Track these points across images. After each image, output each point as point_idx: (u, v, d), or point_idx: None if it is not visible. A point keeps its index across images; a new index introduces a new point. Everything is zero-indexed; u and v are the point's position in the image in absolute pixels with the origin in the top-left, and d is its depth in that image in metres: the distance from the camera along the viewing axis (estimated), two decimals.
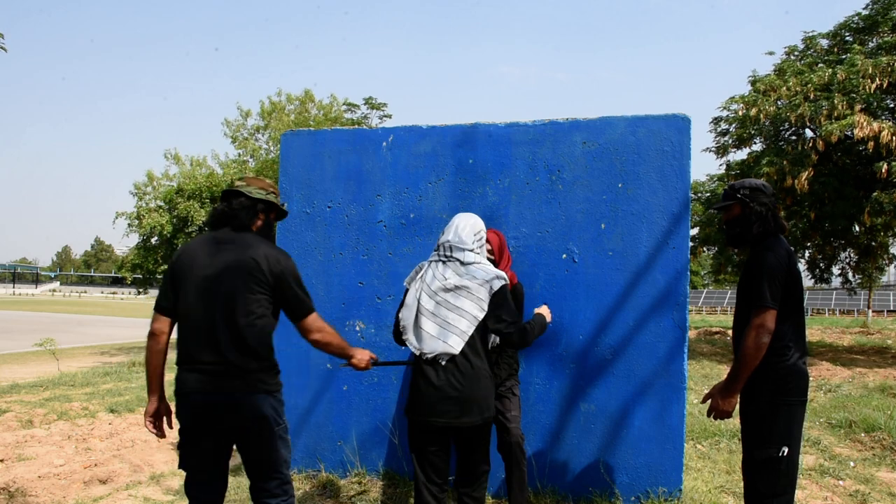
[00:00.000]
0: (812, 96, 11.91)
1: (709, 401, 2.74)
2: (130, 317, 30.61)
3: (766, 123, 13.34)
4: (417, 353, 2.77)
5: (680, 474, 3.69)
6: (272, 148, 17.17)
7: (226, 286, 2.40)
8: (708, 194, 15.80)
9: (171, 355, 2.46)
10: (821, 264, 16.23)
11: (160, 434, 2.57)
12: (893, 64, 11.12)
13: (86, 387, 8.46)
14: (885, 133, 10.64)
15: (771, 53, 14.79)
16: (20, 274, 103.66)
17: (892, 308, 40.54)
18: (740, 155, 15.15)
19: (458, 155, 4.10)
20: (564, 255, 3.90)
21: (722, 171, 15.79)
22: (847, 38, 13.55)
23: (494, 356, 3.16)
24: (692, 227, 14.04)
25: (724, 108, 14.77)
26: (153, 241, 14.30)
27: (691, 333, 19.13)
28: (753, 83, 13.75)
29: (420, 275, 2.89)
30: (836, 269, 16.65)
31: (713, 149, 15.46)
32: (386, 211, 4.20)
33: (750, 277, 2.61)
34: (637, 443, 3.74)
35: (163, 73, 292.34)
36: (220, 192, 13.99)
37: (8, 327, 20.69)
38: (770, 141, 14.24)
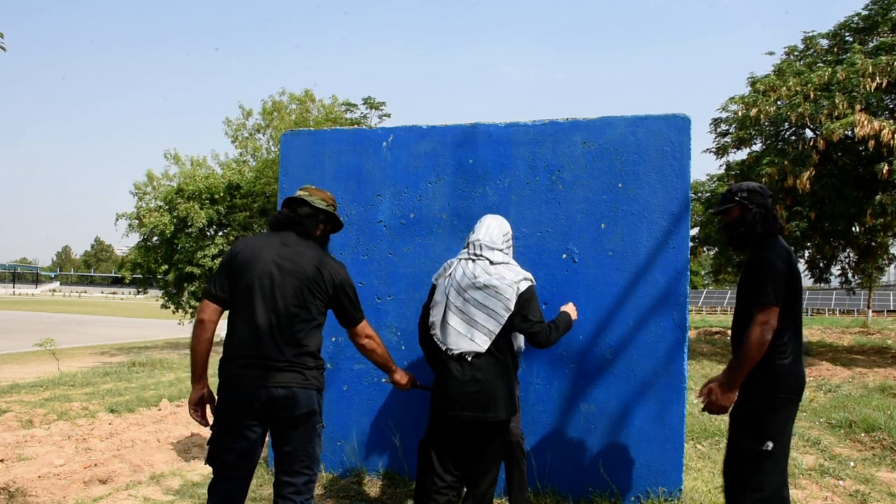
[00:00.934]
0: (812, 96, 11.91)
1: (704, 395, 2.75)
2: (130, 317, 30.62)
3: (766, 124, 13.34)
4: (444, 348, 2.84)
5: (680, 474, 3.69)
6: (272, 148, 17.17)
7: (289, 288, 2.49)
8: (708, 194, 15.81)
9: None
10: (821, 264, 16.22)
11: (204, 422, 2.60)
12: (893, 63, 11.11)
13: (86, 387, 8.47)
14: (885, 132, 10.63)
15: (771, 53, 14.80)
16: (20, 274, 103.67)
17: (892, 308, 40.52)
18: (740, 155, 15.16)
19: (458, 155, 4.10)
20: (564, 255, 3.90)
21: (722, 171, 15.80)
22: (847, 38, 13.55)
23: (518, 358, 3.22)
24: (692, 227, 14.03)
25: (724, 108, 14.77)
26: (153, 241, 14.30)
27: (691, 333, 19.13)
28: (753, 83, 13.74)
29: (449, 272, 2.96)
30: (835, 269, 16.65)
31: (713, 149, 15.46)
32: (386, 211, 4.20)
33: (751, 277, 2.63)
34: (637, 443, 3.74)
35: (163, 73, 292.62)
36: (219, 194, 14.06)
37: (8, 327, 20.69)
38: (770, 141, 14.25)
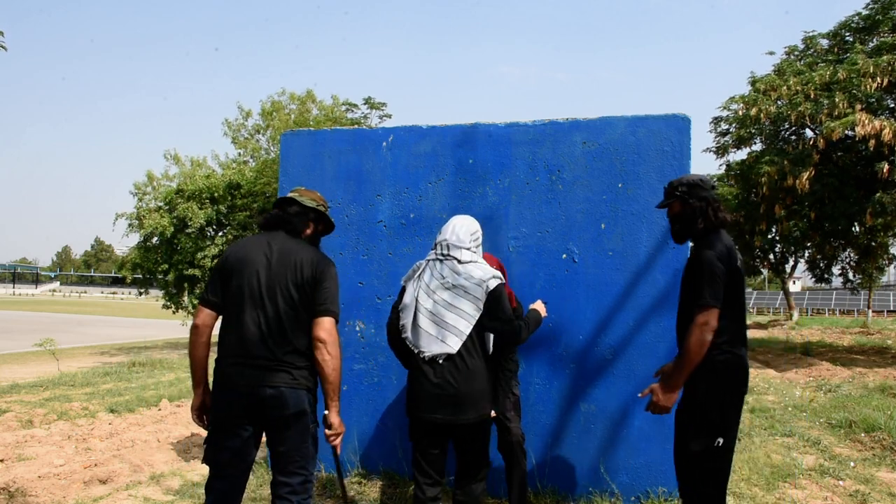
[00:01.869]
0: (813, 95, 11.91)
1: (648, 396, 2.77)
2: (130, 317, 30.62)
3: (767, 123, 13.33)
4: (416, 351, 2.80)
5: None
6: (272, 148, 17.17)
7: (277, 288, 2.49)
8: (714, 192, 15.77)
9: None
10: (821, 264, 16.23)
11: (206, 426, 2.62)
12: (894, 63, 11.11)
13: (86, 387, 8.47)
14: (886, 131, 10.63)
15: (771, 53, 14.80)
16: (20, 274, 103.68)
17: (892, 308, 40.50)
18: (740, 155, 15.16)
19: (458, 155, 4.10)
20: (564, 255, 3.90)
21: (722, 171, 15.80)
22: (847, 37, 13.54)
23: (495, 356, 3.17)
24: None
25: (724, 108, 14.77)
26: (154, 241, 14.30)
27: None
28: (753, 83, 13.74)
29: (418, 274, 2.92)
30: (836, 269, 16.65)
31: (713, 149, 15.46)
32: (386, 211, 4.20)
33: (692, 276, 2.66)
34: (637, 443, 3.74)
35: (163, 73, 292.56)
36: (219, 194, 14.06)
37: (8, 327, 20.70)
38: (770, 141, 14.24)
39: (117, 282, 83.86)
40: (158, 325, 23.67)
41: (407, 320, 2.86)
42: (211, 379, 2.61)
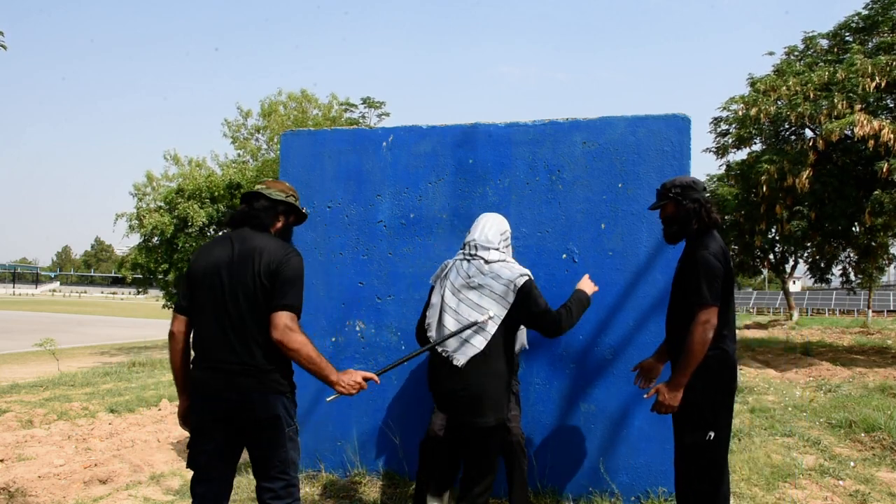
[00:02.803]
0: (812, 96, 11.91)
1: (654, 396, 2.81)
2: (130, 317, 30.61)
3: (766, 123, 13.34)
4: (439, 350, 2.80)
5: None
6: (272, 148, 17.16)
7: (237, 285, 2.40)
8: (708, 194, 15.78)
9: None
10: (822, 264, 16.22)
11: None
12: (893, 63, 11.11)
13: (86, 387, 8.47)
14: (885, 131, 10.63)
15: (771, 53, 14.80)
16: (20, 274, 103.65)
17: (892, 308, 40.48)
18: (740, 155, 15.16)
19: (458, 155, 4.10)
20: (564, 255, 3.90)
21: (722, 171, 15.80)
22: (847, 37, 13.54)
23: (518, 360, 3.22)
24: None
25: (724, 108, 14.77)
26: (154, 241, 14.29)
27: None
28: (753, 83, 13.75)
29: (444, 273, 2.94)
30: (836, 269, 16.65)
31: (713, 149, 15.46)
32: (386, 211, 4.20)
33: (687, 275, 2.70)
34: (637, 443, 3.74)
35: (163, 73, 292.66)
36: (219, 193, 14.05)
37: (8, 327, 20.69)
38: (770, 141, 14.24)
39: (117, 282, 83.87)
40: (158, 325, 23.66)
41: (433, 319, 2.87)
42: None
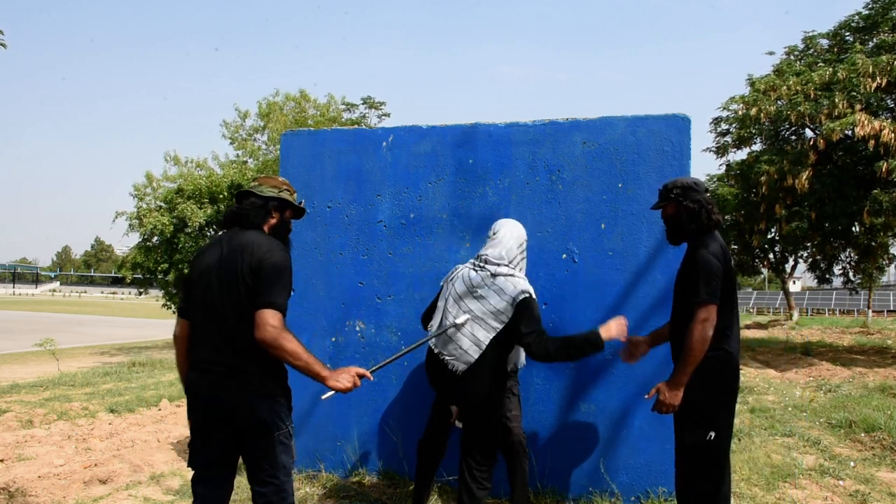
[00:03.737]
0: (812, 95, 11.91)
1: (654, 396, 2.83)
2: (130, 317, 30.61)
3: (766, 123, 13.34)
4: (436, 351, 2.94)
5: None
6: (271, 148, 17.15)
7: (225, 286, 2.37)
8: (708, 194, 15.78)
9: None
10: (822, 264, 16.22)
11: None
12: (893, 63, 11.10)
13: (86, 387, 8.46)
14: (885, 131, 10.63)
15: (771, 53, 14.84)
16: (20, 274, 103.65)
17: (892, 308, 40.46)
18: (740, 155, 15.16)
19: (458, 155, 4.10)
20: (564, 255, 3.90)
21: (722, 171, 15.80)
22: (847, 37, 13.54)
23: (512, 374, 3.29)
24: None
25: (724, 108, 14.78)
26: (154, 240, 14.28)
27: None
28: (752, 84, 13.75)
29: (451, 279, 3.06)
30: (836, 269, 16.65)
31: (713, 149, 15.46)
32: (386, 211, 4.20)
33: (688, 275, 2.71)
34: (637, 443, 3.74)
35: (163, 73, 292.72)
36: (219, 193, 14.04)
37: (8, 327, 20.69)
38: (770, 141, 14.24)
39: (117, 282, 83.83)
40: (158, 325, 23.66)
41: (434, 322, 3.03)
42: None
